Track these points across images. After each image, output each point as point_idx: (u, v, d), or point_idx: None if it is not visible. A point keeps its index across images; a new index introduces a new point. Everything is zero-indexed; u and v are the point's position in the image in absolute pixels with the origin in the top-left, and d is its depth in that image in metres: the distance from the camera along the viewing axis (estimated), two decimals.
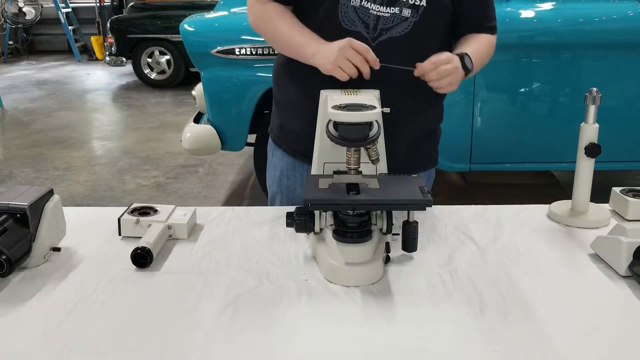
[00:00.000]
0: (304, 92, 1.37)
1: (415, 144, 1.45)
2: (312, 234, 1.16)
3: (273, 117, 1.55)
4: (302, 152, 1.44)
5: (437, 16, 1.34)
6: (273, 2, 1.35)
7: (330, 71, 1.24)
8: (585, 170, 1.31)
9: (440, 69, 1.24)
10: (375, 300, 1.00)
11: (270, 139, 1.56)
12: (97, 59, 10.15)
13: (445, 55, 1.26)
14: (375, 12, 1.29)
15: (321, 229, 1.14)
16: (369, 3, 1.28)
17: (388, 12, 1.29)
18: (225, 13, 3.42)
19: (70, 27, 10.42)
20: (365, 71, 1.23)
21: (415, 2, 1.29)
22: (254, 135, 3.35)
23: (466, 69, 1.29)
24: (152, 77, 7.82)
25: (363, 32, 1.30)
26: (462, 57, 1.29)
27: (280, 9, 1.36)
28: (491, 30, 1.44)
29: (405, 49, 1.32)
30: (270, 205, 1.59)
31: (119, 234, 1.24)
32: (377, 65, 1.23)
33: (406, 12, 1.29)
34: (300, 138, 1.43)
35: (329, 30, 1.30)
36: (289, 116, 1.48)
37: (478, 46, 1.38)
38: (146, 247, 1.11)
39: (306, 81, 1.36)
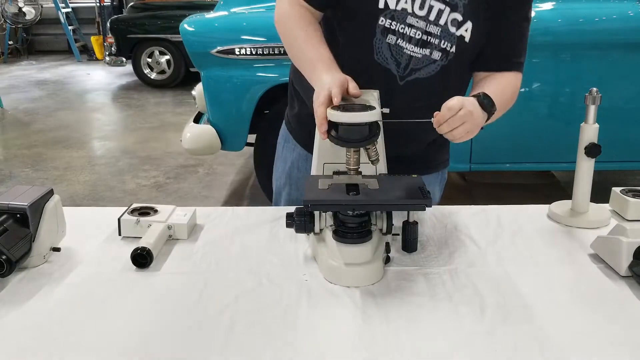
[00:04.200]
0: None
1: (424, 150, 1.45)
2: (312, 234, 1.16)
3: (290, 107, 1.54)
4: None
5: (463, 62, 1.31)
6: (303, 7, 1.29)
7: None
8: (585, 170, 1.31)
9: (450, 120, 1.12)
10: (375, 301, 1.00)
11: (282, 130, 1.55)
12: (97, 59, 10.14)
13: (455, 100, 1.12)
14: (408, 52, 1.27)
15: (321, 230, 1.14)
16: (404, 42, 1.26)
17: (420, 54, 1.27)
18: (225, 13, 3.42)
19: (70, 27, 10.42)
20: None
21: (446, 47, 1.27)
22: (254, 135, 3.35)
23: (487, 110, 1.17)
24: (152, 77, 7.81)
25: (393, 70, 1.28)
26: (479, 97, 1.17)
27: (308, 18, 1.29)
28: (518, 66, 1.34)
29: (430, 89, 1.30)
30: (275, 199, 1.58)
31: (119, 234, 1.24)
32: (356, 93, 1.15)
33: (436, 55, 1.28)
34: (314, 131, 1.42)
35: (361, 62, 1.28)
36: (306, 108, 1.46)
37: (500, 87, 1.27)
38: (146, 247, 1.11)
39: None
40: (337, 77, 1.14)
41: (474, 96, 1.17)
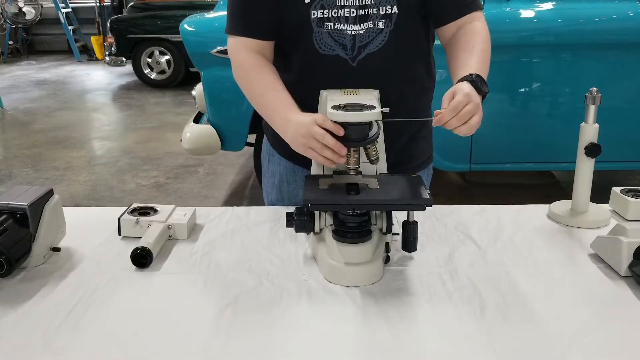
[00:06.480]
0: (295, 97, 1.31)
1: (409, 142, 1.44)
2: (312, 234, 1.16)
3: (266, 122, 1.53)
4: (299, 156, 1.43)
5: (411, 20, 1.29)
6: (253, 52, 1.30)
7: (303, 154, 1.18)
8: (585, 170, 1.31)
9: (460, 114, 1.08)
10: (375, 300, 1.00)
11: (265, 144, 1.53)
12: (97, 59, 10.15)
13: (461, 94, 1.09)
14: (350, 32, 1.26)
15: (321, 229, 1.14)
16: (342, 24, 1.26)
17: (362, 29, 1.26)
18: (225, 13, 3.42)
19: (70, 27, 10.42)
20: (340, 151, 1.11)
21: (387, 12, 1.25)
22: (254, 135, 3.35)
23: (482, 93, 1.14)
24: (152, 77, 7.81)
25: (342, 55, 1.28)
26: (473, 81, 1.14)
27: (261, 63, 1.30)
28: (477, 5, 1.30)
29: (384, 62, 1.29)
30: None
31: (119, 234, 1.24)
32: (340, 133, 1.10)
33: (380, 24, 1.26)
34: None
35: (307, 58, 1.29)
36: None
37: (479, 53, 1.23)
38: (146, 247, 1.11)
39: (297, 87, 1.31)
40: (301, 122, 1.15)
41: (466, 80, 1.14)
